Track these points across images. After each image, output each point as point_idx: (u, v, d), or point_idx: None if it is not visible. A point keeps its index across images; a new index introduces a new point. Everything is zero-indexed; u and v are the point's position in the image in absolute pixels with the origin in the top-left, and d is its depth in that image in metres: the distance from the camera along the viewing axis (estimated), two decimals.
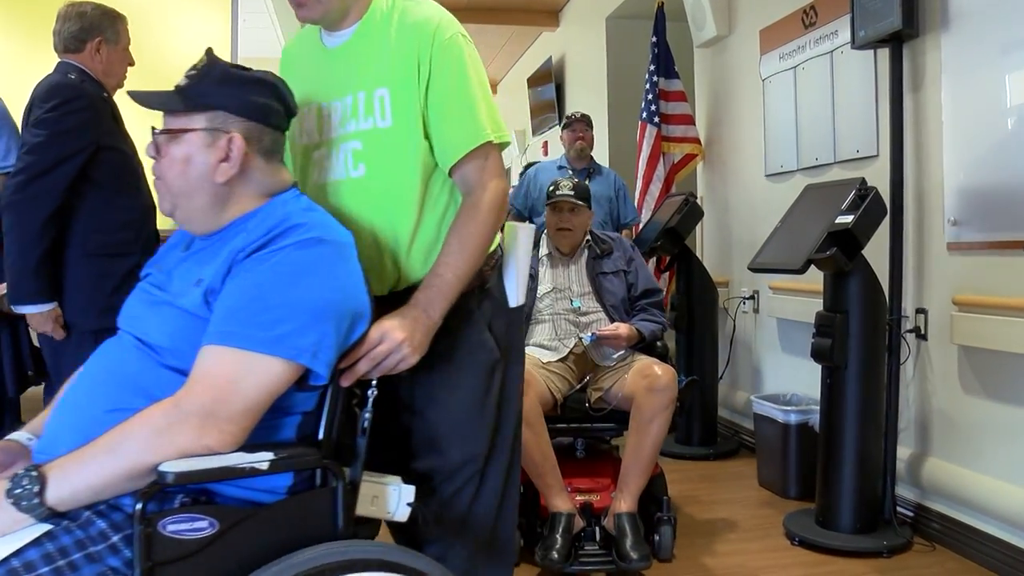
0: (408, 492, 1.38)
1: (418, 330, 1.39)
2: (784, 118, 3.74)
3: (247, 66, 1.41)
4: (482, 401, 1.59)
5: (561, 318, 2.87)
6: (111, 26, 2.44)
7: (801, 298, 3.49)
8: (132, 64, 2.54)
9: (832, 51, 3.37)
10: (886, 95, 2.96)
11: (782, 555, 2.73)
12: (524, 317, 1.73)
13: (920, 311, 2.89)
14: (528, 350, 2.75)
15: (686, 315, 4.00)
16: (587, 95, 6.52)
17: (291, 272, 1.25)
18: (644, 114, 4.50)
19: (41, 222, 2.25)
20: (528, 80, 7.93)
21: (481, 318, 1.58)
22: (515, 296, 1.64)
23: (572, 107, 6.97)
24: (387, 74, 1.49)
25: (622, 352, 2.79)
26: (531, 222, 4.01)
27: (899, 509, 2.88)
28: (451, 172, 1.52)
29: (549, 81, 7.30)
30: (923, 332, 2.88)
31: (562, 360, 2.80)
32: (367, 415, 1.37)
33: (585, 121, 4.25)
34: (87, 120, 2.32)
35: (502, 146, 1.56)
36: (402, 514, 1.38)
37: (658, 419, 2.57)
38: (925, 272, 2.88)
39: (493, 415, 1.61)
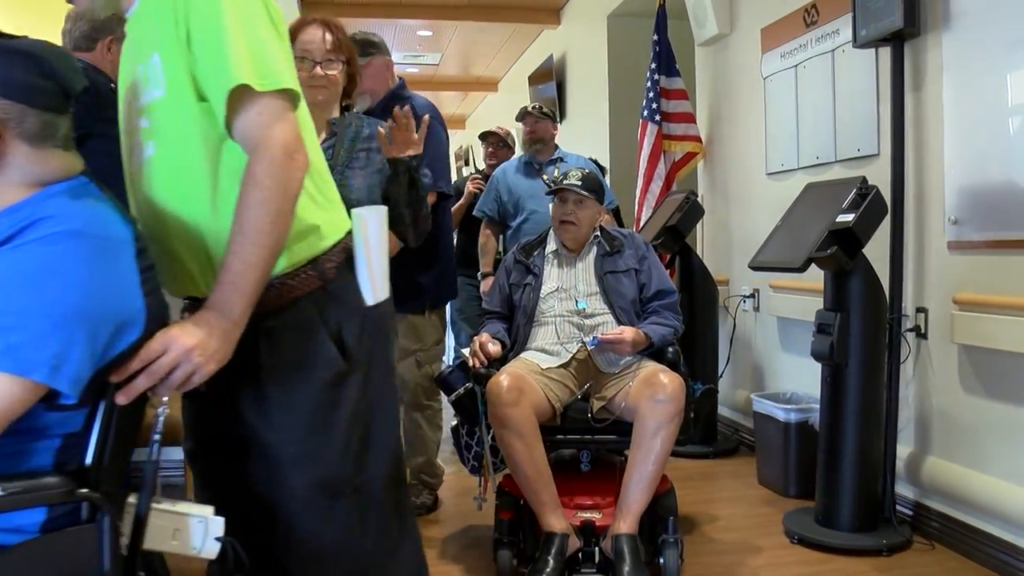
0: (216, 525, 1.21)
1: (213, 335, 1.18)
2: (785, 116, 3.74)
3: (12, 34, 1.21)
4: (325, 420, 1.35)
5: (564, 320, 2.66)
6: (120, 25, 2.45)
7: (801, 297, 3.49)
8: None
9: (833, 50, 3.36)
10: (887, 94, 2.95)
11: (782, 554, 2.73)
12: (387, 314, 1.45)
13: (920, 310, 2.89)
14: (528, 355, 2.64)
15: (686, 313, 3.98)
16: (588, 93, 6.52)
17: (30, 272, 1.07)
18: (645, 112, 4.50)
19: None
20: (529, 78, 7.93)
21: (321, 325, 1.34)
22: (371, 292, 1.40)
23: (573, 105, 6.98)
24: (156, 36, 1.29)
25: (628, 358, 2.59)
26: (508, 227, 3.93)
27: (899, 508, 2.88)
28: (231, 136, 1.27)
29: (550, 79, 7.29)
30: (923, 331, 2.88)
31: (564, 366, 2.60)
32: (156, 437, 1.19)
33: (534, 114, 4.02)
34: (89, 104, 2.33)
35: (286, 95, 1.26)
36: (209, 550, 1.21)
37: (663, 432, 2.38)
38: (925, 271, 2.88)
39: (345, 435, 1.36)
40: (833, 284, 2.82)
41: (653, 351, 2.63)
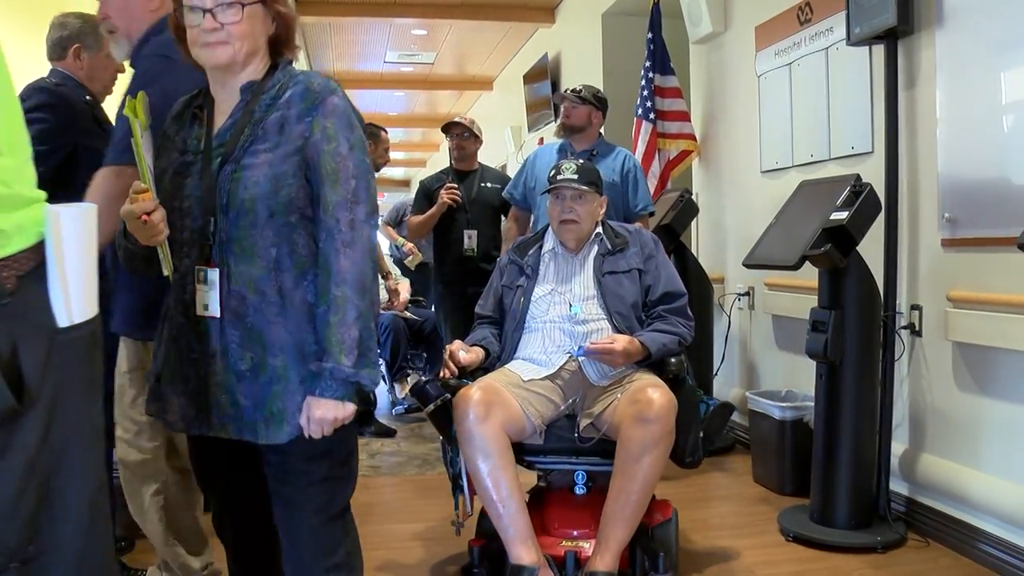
0: None
1: None
2: (779, 114, 3.74)
3: None
4: None
5: (555, 327, 2.39)
6: (91, 33, 2.53)
7: (796, 294, 3.49)
8: (121, 71, 2.61)
9: (827, 48, 3.37)
10: (881, 92, 2.96)
11: (776, 551, 2.74)
12: (88, 339, 1.14)
13: (915, 307, 2.90)
14: (513, 364, 2.38)
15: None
16: None
17: None
18: (640, 110, 4.49)
19: None
20: (524, 77, 7.93)
21: None
22: (65, 310, 1.11)
23: None
24: None
25: (620, 370, 2.33)
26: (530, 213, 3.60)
27: (893, 505, 2.88)
28: None
29: (545, 78, 7.29)
30: (918, 328, 2.88)
31: (551, 378, 2.33)
32: None
33: (570, 98, 3.50)
34: (62, 120, 2.37)
35: None
36: None
37: (648, 456, 2.08)
38: (920, 268, 2.89)
39: (14, 491, 1.05)
40: (827, 282, 2.82)
41: (652, 361, 2.35)
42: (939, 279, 2.79)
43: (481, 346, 2.44)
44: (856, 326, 2.75)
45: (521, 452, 2.27)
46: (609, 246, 2.48)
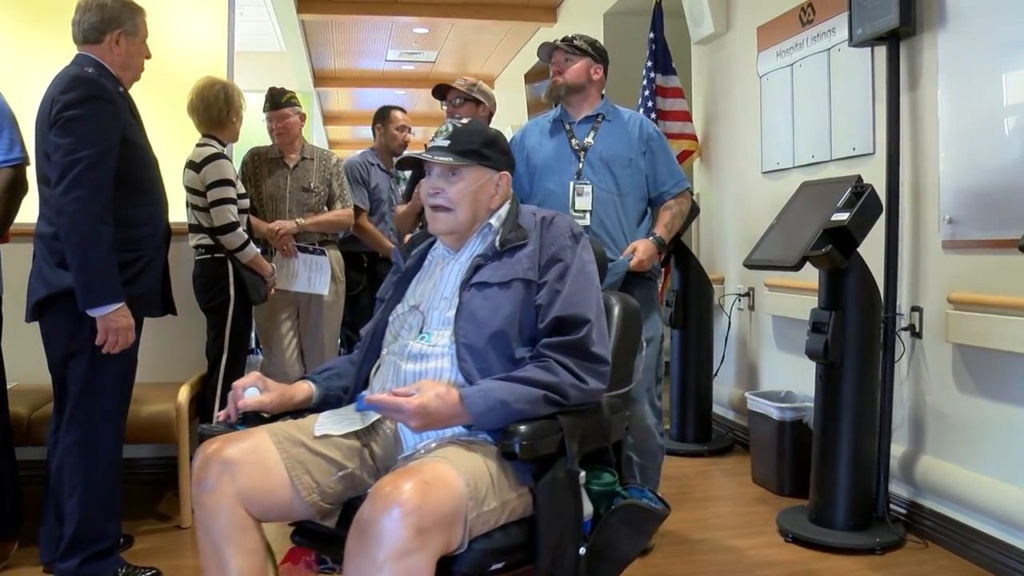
0: None
1: None
2: (781, 115, 3.74)
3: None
4: None
5: (394, 360, 1.67)
6: (131, 18, 2.41)
7: (796, 295, 3.49)
8: (149, 57, 2.50)
9: (829, 48, 3.37)
10: (883, 93, 2.96)
11: (775, 552, 2.73)
12: None
13: (915, 309, 2.89)
14: (325, 413, 1.67)
15: (682, 312, 4.01)
16: None
17: None
18: (641, 110, 4.49)
19: (98, 217, 2.20)
20: (525, 76, 7.93)
21: None
22: None
23: None
24: None
25: (452, 432, 1.57)
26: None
27: (892, 506, 2.88)
28: None
29: (546, 77, 7.22)
30: (918, 330, 2.88)
31: (360, 435, 1.62)
32: None
33: (563, 48, 2.76)
34: (113, 113, 2.30)
35: None
36: None
37: (388, 569, 1.29)
38: (920, 270, 2.89)
39: None
40: (828, 283, 2.82)
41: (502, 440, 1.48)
42: (940, 281, 2.78)
43: (313, 380, 1.76)
44: (856, 327, 2.75)
45: (306, 536, 1.62)
46: (497, 244, 1.71)
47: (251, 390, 1.66)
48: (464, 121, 1.80)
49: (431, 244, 1.85)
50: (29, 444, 2.82)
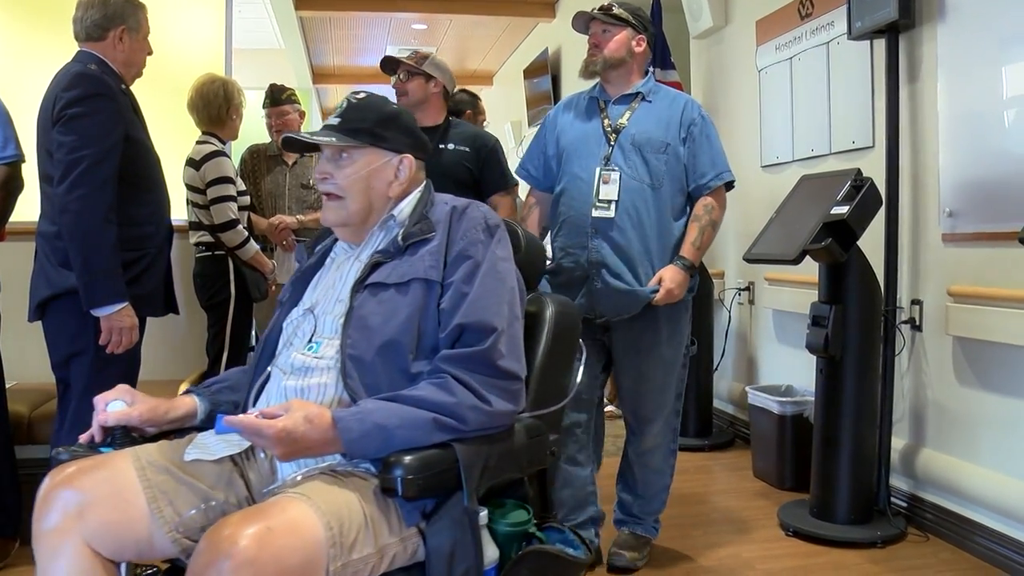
0: None
1: None
2: (780, 109, 3.73)
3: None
4: None
5: (279, 373, 1.46)
6: (133, 15, 2.39)
7: (796, 289, 3.49)
8: (151, 53, 2.48)
9: (828, 42, 3.36)
10: (882, 86, 2.95)
11: (776, 546, 2.74)
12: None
13: (915, 302, 2.89)
14: (203, 435, 1.45)
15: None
16: (583, 86, 6.49)
17: None
18: None
19: (102, 216, 2.18)
20: (524, 71, 7.91)
21: None
22: None
23: None
24: None
25: (327, 460, 1.34)
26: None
27: (893, 500, 2.88)
28: None
29: (545, 72, 7.27)
30: (918, 323, 2.88)
31: (236, 460, 1.41)
32: None
33: (600, 18, 2.48)
34: (116, 110, 2.28)
35: None
36: None
37: None
38: (920, 263, 2.88)
39: None
40: (828, 276, 2.81)
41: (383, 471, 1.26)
42: (940, 274, 2.78)
43: (198, 394, 1.53)
44: (856, 321, 2.75)
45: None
46: (400, 239, 1.48)
47: (115, 403, 1.40)
48: (360, 95, 1.54)
49: (336, 240, 1.62)
50: (29, 443, 2.82)
